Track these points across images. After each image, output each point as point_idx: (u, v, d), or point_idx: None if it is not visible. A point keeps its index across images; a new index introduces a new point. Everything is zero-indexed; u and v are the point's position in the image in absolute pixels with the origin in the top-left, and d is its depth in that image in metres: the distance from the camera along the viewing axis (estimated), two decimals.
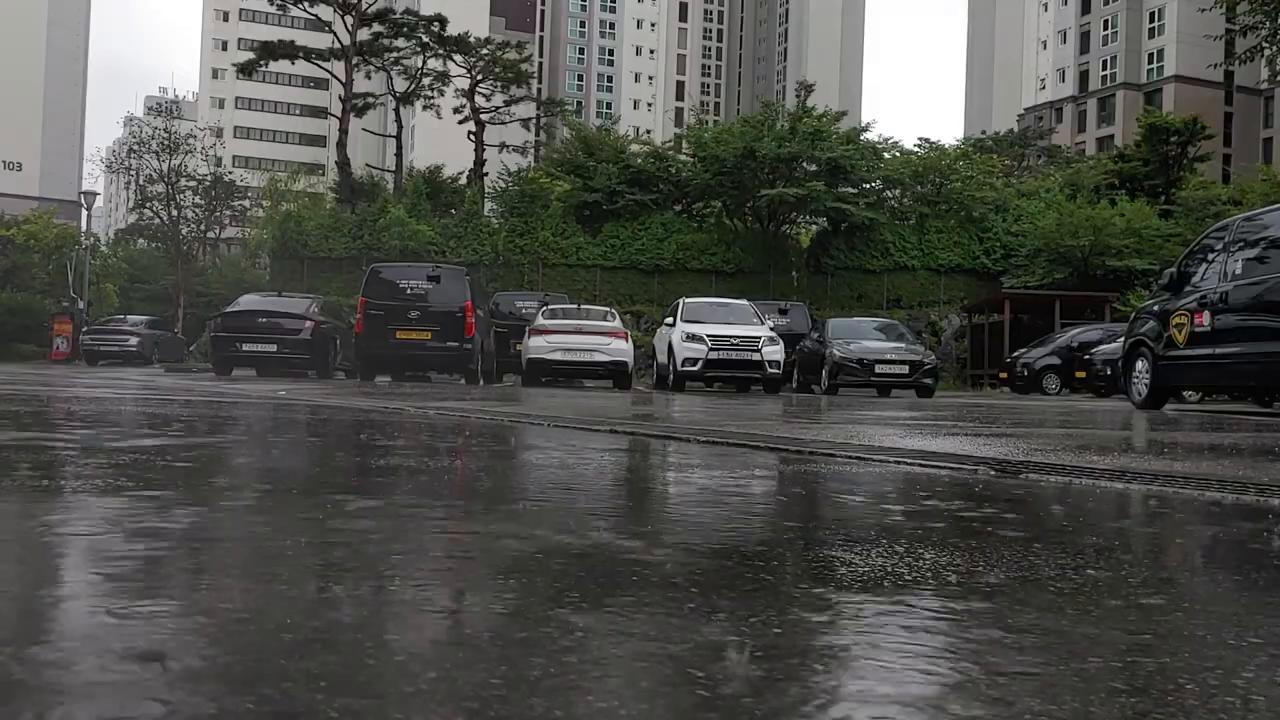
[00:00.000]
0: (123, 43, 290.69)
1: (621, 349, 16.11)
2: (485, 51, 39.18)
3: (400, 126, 39.44)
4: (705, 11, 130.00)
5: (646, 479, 3.48)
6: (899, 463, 3.54)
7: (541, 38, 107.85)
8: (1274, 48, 31.77)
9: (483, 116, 39.10)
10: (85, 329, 29.97)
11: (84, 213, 37.21)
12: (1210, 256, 9.80)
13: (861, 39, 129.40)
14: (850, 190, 33.39)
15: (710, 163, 33.02)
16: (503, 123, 40.60)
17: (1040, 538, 2.02)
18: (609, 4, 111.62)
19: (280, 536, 1.82)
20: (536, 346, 16.07)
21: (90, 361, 27.34)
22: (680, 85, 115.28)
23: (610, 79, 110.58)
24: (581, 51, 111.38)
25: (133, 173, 46.16)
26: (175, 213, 44.07)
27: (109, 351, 27.98)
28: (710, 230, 34.63)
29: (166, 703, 0.89)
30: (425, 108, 40.78)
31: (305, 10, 38.15)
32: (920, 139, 43.14)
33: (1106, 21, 75.18)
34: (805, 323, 21.30)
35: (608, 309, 19.44)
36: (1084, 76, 76.30)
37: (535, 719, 0.88)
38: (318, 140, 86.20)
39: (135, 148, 44.60)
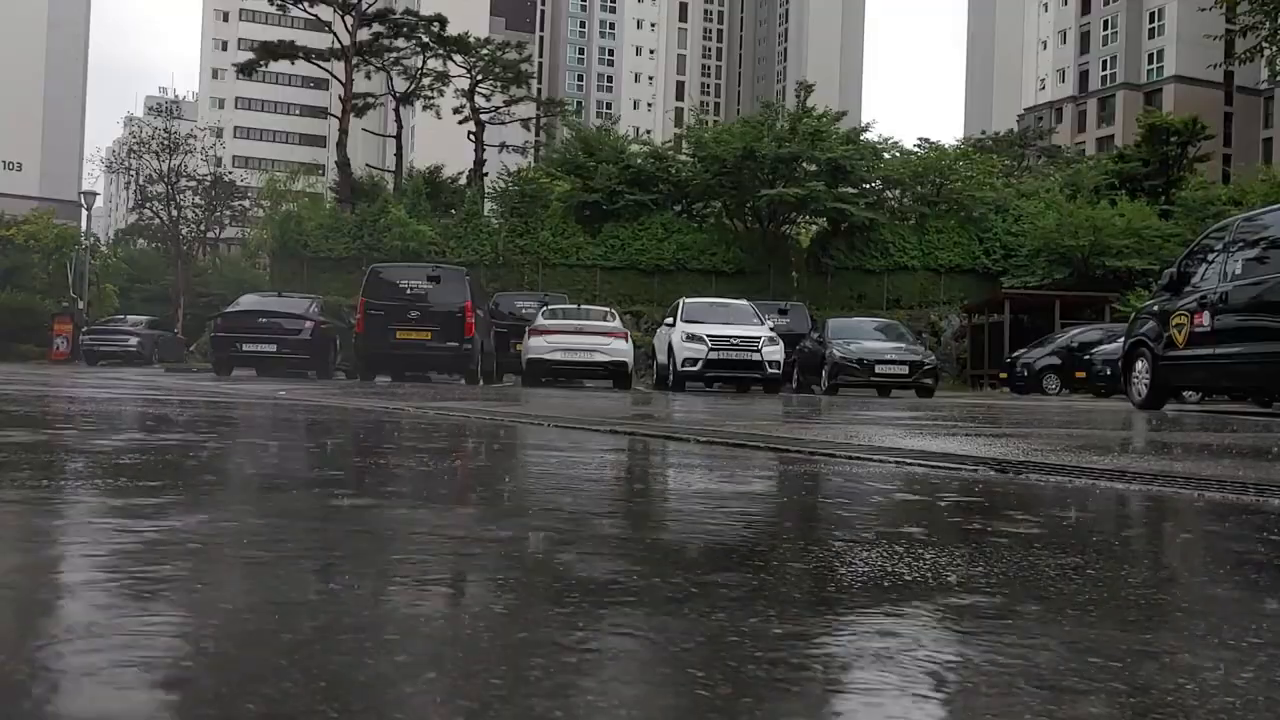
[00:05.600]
0: (123, 43, 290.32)
1: (621, 349, 16.12)
2: (485, 51, 39.18)
3: (400, 126, 39.44)
4: (705, 11, 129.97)
5: (646, 479, 3.48)
6: (899, 463, 3.54)
7: (541, 38, 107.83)
8: (1274, 48, 31.75)
9: (483, 116, 39.10)
10: (85, 329, 29.96)
11: (84, 213, 37.18)
12: (1210, 257, 9.79)
13: (861, 39, 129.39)
14: (850, 190, 33.37)
15: (710, 163, 33.01)
16: (503, 123, 40.60)
17: (1040, 538, 2.02)
18: (609, 4, 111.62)
19: (279, 536, 1.82)
20: (536, 346, 16.08)
21: (90, 361, 27.32)
22: (680, 85, 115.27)
23: (610, 79, 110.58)
24: (581, 51, 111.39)
25: (133, 173, 46.18)
26: (175, 213, 44.07)
27: (109, 351, 27.96)
28: (710, 230, 34.61)
29: (166, 702, 0.89)
30: (425, 108, 40.77)
31: (305, 10, 38.15)
32: (920, 139, 43.13)
33: (1106, 21, 75.19)
34: (805, 323, 21.28)
35: (608, 309, 19.45)
36: (1084, 76, 76.31)
37: (535, 719, 0.88)
38: (318, 140, 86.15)
39: (135, 148, 44.61)
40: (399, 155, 39.82)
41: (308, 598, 1.34)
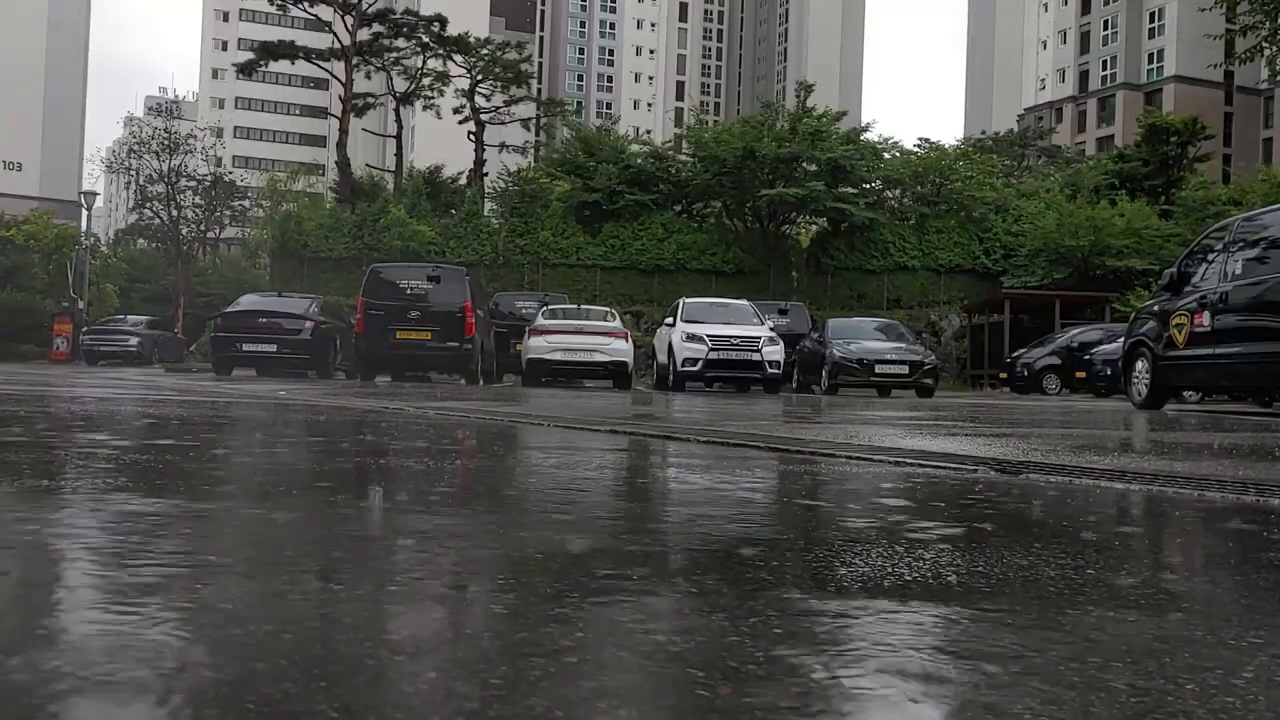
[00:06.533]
0: (123, 43, 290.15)
1: (621, 349, 16.13)
2: (485, 52, 39.19)
3: (400, 126, 39.44)
4: (705, 11, 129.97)
5: (646, 479, 3.48)
6: (899, 463, 3.54)
7: (541, 38, 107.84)
8: (1274, 48, 31.74)
9: (483, 116, 39.11)
10: (85, 329, 29.96)
11: (84, 213, 37.19)
12: (1210, 257, 9.80)
13: (861, 39, 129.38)
14: (850, 190, 33.39)
15: (710, 163, 33.02)
16: (503, 123, 40.61)
17: (1040, 538, 2.02)
18: (609, 4, 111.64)
19: (279, 536, 1.82)
20: (536, 346, 16.09)
21: (90, 361, 27.33)
22: (680, 85, 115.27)
23: (610, 79, 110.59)
24: (581, 51, 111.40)
25: (133, 173, 46.19)
26: (175, 213, 44.09)
27: (109, 351, 27.97)
28: (710, 230, 34.63)
29: (167, 702, 0.89)
30: (425, 108, 40.78)
31: (305, 10, 38.16)
32: (920, 139, 43.16)
33: (1106, 21, 75.20)
34: (805, 323, 21.29)
35: (608, 309, 19.47)
36: (1084, 76, 76.32)
37: (535, 719, 0.88)
38: (318, 140, 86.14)
39: (135, 148, 44.62)
40: (399, 155, 39.82)
41: (308, 597, 1.34)
